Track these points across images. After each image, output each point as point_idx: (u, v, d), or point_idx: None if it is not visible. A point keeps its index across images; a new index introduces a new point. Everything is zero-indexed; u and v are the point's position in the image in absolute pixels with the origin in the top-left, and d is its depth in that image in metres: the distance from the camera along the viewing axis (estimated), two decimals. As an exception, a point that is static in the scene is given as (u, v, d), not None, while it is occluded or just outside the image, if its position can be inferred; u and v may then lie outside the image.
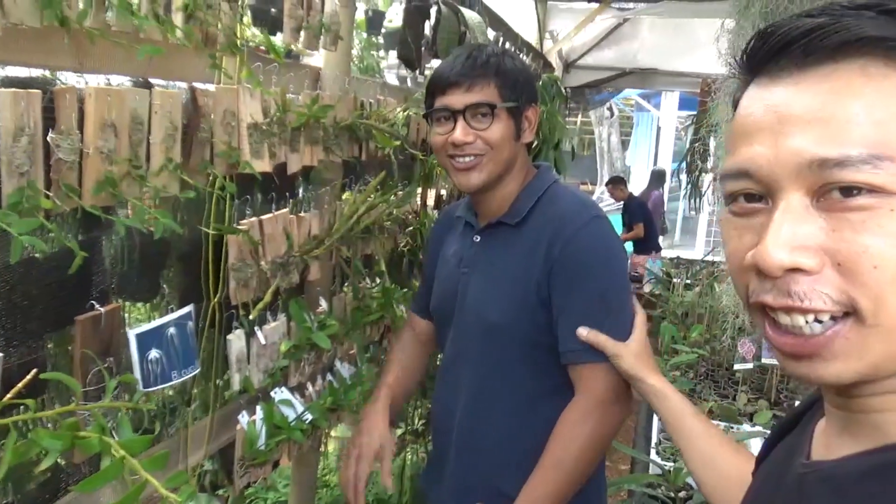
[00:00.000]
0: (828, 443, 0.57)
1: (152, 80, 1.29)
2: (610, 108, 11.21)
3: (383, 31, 3.10)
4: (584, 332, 1.23)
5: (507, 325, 1.31)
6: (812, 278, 0.48)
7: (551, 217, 1.30)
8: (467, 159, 1.29)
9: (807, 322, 0.49)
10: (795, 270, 0.49)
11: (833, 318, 0.49)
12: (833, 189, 0.48)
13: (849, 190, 0.47)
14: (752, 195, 0.53)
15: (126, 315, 1.35)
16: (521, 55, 3.63)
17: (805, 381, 0.51)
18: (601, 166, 11.33)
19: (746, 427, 2.46)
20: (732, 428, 2.44)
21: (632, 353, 1.22)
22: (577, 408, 1.26)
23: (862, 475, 0.50)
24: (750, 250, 0.51)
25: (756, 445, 2.29)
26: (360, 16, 3.09)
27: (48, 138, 0.91)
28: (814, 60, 0.49)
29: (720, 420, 2.51)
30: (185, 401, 1.37)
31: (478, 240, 1.40)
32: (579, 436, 1.24)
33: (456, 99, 1.28)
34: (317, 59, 1.87)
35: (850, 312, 0.48)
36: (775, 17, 1.64)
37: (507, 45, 3.42)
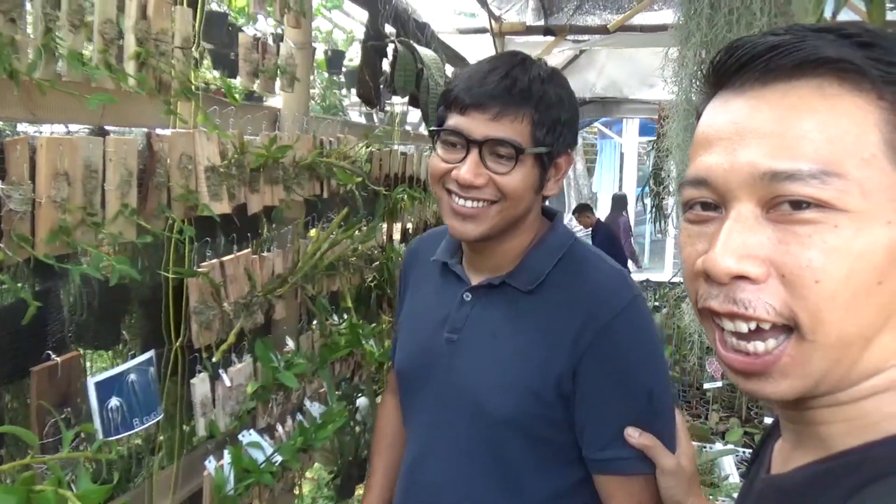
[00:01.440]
0: (784, 457, 0.60)
1: (109, 128, 1.30)
2: (574, 137, 11.41)
3: (344, 69, 3.14)
4: (635, 434, 0.99)
5: (514, 420, 1.04)
6: (757, 287, 0.50)
7: (581, 291, 1.04)
8: (470, 204, 1.01)
9: (749, 330, 0.51)
10: (742, 278, 0.50)
11: (774, 328, 0.50)
12: (783, 202, 0.49)
13: (797, 203, 0.48)
14: (708, 204, 0.54)
15: (88, 363, 1.33)
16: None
17: (753, 396, 0.53)
18: (568, 194, 11.48)
19: (719, 445, 2.48)
20: (705, 447, 2.46)
21: (685, 473, 1.00)
22: None
23: (805, 484, 0.52)
24: (701, 256, 0.53)
25: (728, 463, 2.31)
26: (320, 55, 3.14)
27: (-1, 189, 0.91)
28: (774, 77, 0.51)
29: (694, 441, 2.53)
30: (150, 448, 1.35)
31: (469, 298, 1.11)
32: None
33: (476, 126, 0.99)
34: (278, 99, 1.90)
35: (791, 328, 0.49)
36: (715, 47, 1.72)
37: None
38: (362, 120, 3.75)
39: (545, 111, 1.02)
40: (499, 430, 1.05)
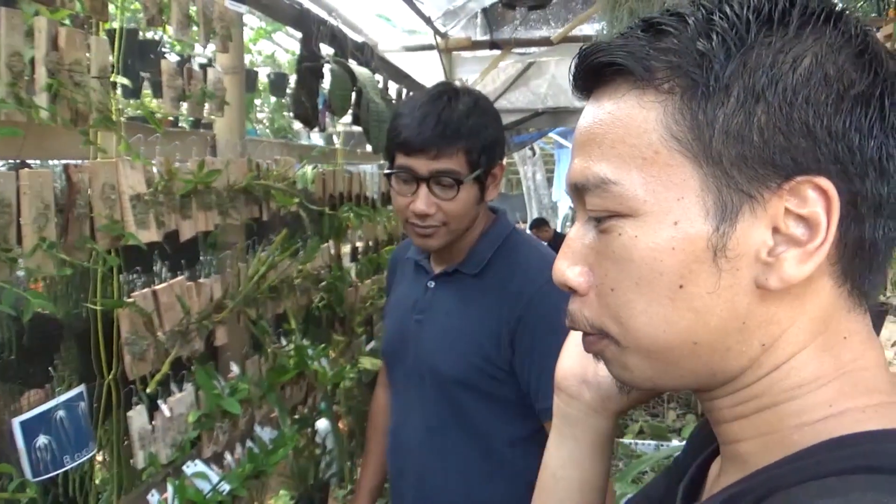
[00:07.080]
0: (713, 479, 0.56)
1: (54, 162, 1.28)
2: (532, 148, 11.53)
3: (289, 92, 3.14)
4: None
5: (462, 378, 1.28)
6: (581, 299, 0.50)
7: (513, 270, 1.28)
8: (427, 229, 1.26)
9: None
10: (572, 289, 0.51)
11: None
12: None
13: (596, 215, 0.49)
14: None
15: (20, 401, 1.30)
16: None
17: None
18: (529, 204, 11.59)
19: (675, 442, 2.52)
20: (662, 445, 2.49)
21: None
22: None
23: None
24: None
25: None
26: (263, 79, 3.13)
27: None
28: (593, 85, 0.50)
29: (651, 439, 2.56)
30: (83, 487, 1.32)
31: (432, 286, 1.37)
32: None
33: (421, 164, 1.22)
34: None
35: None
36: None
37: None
38: (321, 142, 3.75)
39: (475, 140, 1.24)
40: (454, 389, 1.29)
